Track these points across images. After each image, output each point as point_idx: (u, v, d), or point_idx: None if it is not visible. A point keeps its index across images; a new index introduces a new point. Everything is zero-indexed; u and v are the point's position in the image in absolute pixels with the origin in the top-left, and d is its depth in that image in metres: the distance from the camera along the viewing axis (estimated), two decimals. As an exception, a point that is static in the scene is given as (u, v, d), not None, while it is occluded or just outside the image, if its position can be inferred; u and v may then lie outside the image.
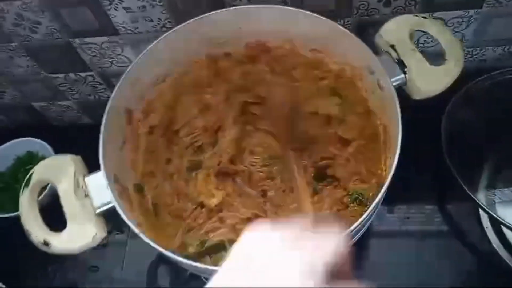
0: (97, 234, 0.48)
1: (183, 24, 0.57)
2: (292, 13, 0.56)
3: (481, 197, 0.68)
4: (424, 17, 0.54)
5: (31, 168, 0.71)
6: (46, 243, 0.47)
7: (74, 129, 0.87)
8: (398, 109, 0.49)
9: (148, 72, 0.58)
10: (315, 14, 0.55)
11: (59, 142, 0.79)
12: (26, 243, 0.48)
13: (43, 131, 0.82)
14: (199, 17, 0.57)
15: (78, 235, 0.48)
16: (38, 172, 0.51)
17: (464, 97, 0.66)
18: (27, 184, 0.50)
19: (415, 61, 0.53)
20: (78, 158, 0.53)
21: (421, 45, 0.68)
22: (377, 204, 0.46)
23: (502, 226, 0.64)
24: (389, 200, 0.53)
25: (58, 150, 0.77)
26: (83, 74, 0.75)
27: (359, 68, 0.58)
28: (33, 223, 0.48)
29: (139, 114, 0.59)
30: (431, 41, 0.67)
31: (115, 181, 0.52)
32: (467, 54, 0.71)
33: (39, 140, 0.80)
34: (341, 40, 0.56)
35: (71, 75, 0.75)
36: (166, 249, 0.45)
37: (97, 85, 0.78)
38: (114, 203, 0.48)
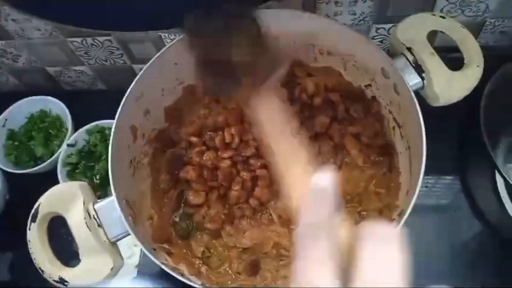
0: (114, 265, 0.46)
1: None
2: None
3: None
4: (443, 17, 0.52)
5: (45, 126, 0.77)
6: (62, 281, 0.45)
7: (88, 94, 0.84)
8: (421, 118, 0.47)
9: (153, 85, 0.55)
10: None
11: (74, 106, 0.77)
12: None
13: (56, 96, 0.78)
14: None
15: (95, 269, 0.46)
16: (45, 205, 0.48)
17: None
18: (34, 219, 0.47)
19: (435, 66, 0.51)
20: (86, 184, 0.50)
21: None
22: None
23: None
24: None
25: (72, 114, 0.76)
26: (101, 39, 0.72)
27: (373, 71, 0.55)
28: (46, 260, 0.46)
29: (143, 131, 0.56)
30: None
31: (127, 205, 0.50)
32: (489, 25, 0.69)
33: (53, 99, 0.78)
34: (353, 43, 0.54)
35: (89, 39, 0.72)
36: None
37: (114, 50, 0.74)
38: (130, 232, 0.46)
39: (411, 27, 0.53)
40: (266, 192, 0.57)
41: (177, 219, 0.58)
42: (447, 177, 0.69)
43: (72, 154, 0.73)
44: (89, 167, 0.73)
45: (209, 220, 0.57)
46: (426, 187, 0.68)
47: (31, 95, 0.79)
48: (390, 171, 0.58)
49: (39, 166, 0.72)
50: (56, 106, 0.77)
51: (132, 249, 0.75)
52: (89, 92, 0.84)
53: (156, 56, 0.53)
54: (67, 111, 0.76)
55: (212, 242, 0.58)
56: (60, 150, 0.73)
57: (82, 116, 0.76)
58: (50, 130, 0.77)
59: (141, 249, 0.67)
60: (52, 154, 0.74)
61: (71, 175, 0.72)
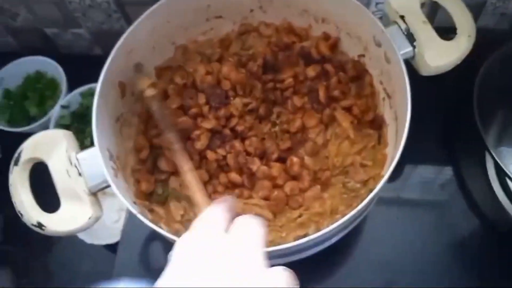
0: (92, 215, 0.46)
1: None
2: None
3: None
4: (436, -14, 0.51)
5: (40, 87, 0.78)
6: (39, 225, 0.45)
7: (84, 58, 0.84)
8: (408, 85, 0.47)
9: (144, 42, 0.55)
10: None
11: (69, 70, 0.78)
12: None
13: (53, 58, 0.79)
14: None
15: (73, 216, 0.46)
16: (27, 150, 0.47)
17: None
18: (16, 163, 0.47)
19: (425, 34, 0.50)
20: (70, 133, 0.50)
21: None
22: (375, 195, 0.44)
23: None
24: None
25: (68, 78, 0.77)
26: (99, 0, 0.72)
27: (365, 39, 0.55)
28: (25, 204, 0.46)
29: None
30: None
31: (110, 157, 0.50)
32: (489, 6, 0.68)
33: (50, 60, 0.79)
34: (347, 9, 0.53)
35: (87, 0, 0.72)
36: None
37: (112, 13, 0.74)
38: (110, 183, 0.46)
39: (405, -4, 0.52)
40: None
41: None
42: (437, 157, 0.68)
43: (65, 115, 0.74)
44: (81, 129, 0.73)
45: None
46: (412, 163, 0.67)
47: (28, 55, 0.79)
48: (379, 143, 0.57)
49: (31, 126, 0.72)
50: (52, 68, 0.78)
51: (119, 213, 0.76)
52: (86, 56, 0.84)
53: (148, 11, 0.53)
54: (63, 73, 0.76)
55: (191, 207, 0.57)
56: (53, 111, 0.73)
57: (78, 80, 0.77)
58: (45, 91, 0.78)
59: (126, 212, 0.68)
60: (46, 115, 0.74)
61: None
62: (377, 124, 0.57)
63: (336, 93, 0.57)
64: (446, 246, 0.63)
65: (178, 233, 0.54)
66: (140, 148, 0.56)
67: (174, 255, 0.29)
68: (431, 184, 0.67)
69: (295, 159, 0.54)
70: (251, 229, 0.31)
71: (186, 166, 0.47)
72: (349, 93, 0.58)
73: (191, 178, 0.46)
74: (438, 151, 0.69)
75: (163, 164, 0.55)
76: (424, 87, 0.51)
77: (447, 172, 0.68)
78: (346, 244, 0.61)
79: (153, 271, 0.63)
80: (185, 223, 0.56)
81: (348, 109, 0.58)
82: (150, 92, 0.52)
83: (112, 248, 0.71)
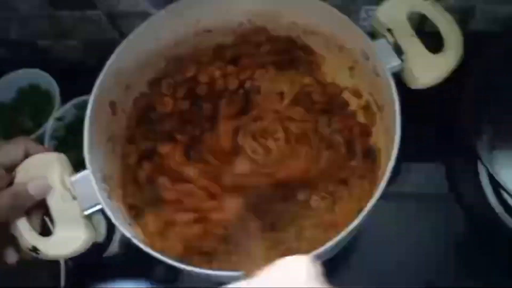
0: (86, 237, 0.47)
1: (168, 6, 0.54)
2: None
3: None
4: (424, -1, 0.51)
5: (34, 100, 0.78)
6: (34, 249, 0.46)
7: (77, 69, 0.81)
8: (396, 99, 0.47)
9: (132, 61, 0.55)
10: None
11: (63, 82, 0.77)
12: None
13: (46, 70, 0.79)
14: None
15: (67, 241, 0.46)
16: (21, 173, 0.48)
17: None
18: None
19: (413, 48, 0.50)
20: (62, 156, 0.50)
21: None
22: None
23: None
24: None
25: (61, 90, 0.77)
26: (89, 13, 0.72)
27: (354, 53, 0.55)
28: (21, 228, 0.46)
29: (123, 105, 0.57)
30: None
31: (102, 179, 0.50)
32: (478, 10, 0.68)
33: (43, 72, 0.78)
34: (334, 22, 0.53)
35: (77, 13, 0.72)
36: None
37: (103, 25, 0.74)
38: (103, 205, 0.47)
39: (393, 8, 0.52)
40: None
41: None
42: (431, 165, 0.69)
43: (59, 128, 0.74)
44: (76, 142, 0.73)
45: None
46: (406, 170, 0.67)
47: (21, 67, 0.79)
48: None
49: (26, 139, 0.72)
50: (46, 80, 0.78)
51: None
52: (79, 67, 0.83)
53: (136, 30, 0.53)
54: (56, 85, 0.76)
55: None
56: (47, 124, 0.74)
57: (72, 91, 0.76)
58: (40, 104, 0.78)
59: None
60: (41, 128, 0.75)
61: (58, 149, 0.73)
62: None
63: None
64: (441, 244, 0.64)
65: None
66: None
67: None
68: (425, 188, 0.68)
69: None
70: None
71: None
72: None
73: None
74: (432, 156, 0.69)
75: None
76: (416, 92, 0.51)
77: (440, 174, 0.68)
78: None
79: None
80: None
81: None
82: None
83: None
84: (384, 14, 0.52)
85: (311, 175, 0.57)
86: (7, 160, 0.47)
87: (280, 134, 0.59)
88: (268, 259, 0.32)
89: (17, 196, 0.45)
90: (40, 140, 0.72)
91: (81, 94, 0.74)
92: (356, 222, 0.43)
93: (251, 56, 0.62)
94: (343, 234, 0.42)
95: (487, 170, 0.59)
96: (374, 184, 0.53)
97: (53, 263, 0.63)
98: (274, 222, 0.55)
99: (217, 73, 0.61)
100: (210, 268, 0.44)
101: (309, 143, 0.58)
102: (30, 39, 0.80)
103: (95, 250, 0.70)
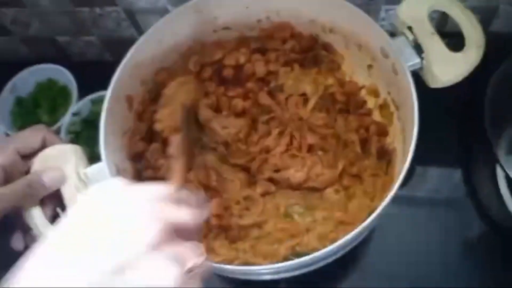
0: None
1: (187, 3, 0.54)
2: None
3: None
4: (445, -4, 0.51)
5: (52, 95, 0.78)
6: (47, 239, 0.46)
7: (95, 65, 0.83)
8: (415, 98, 0.46)
9: (149, 55, 0.55)
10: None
11: (81, 77, 0.77)
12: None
13: (64, 65, 0.79)
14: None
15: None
16: (37, 164, 0.48)
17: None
18: (26, 178, 0.48)
19: (433, 46, 0.49)
20: (79, 148, 0.50)
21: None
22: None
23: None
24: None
25: (79, 85, 0.77)
26: (108, 9, 0.72)
27: (373, 51, 0.54)
28: (35, 218, 0.46)
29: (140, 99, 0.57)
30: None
31: (117, 172, 0.50)
32: (501, 11, 0.67)
33: (61, 68, 0.79)
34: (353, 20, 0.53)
35: (97, 9, 0.73)
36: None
37: (121, 21, 0.75)
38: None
39: (414, 6, 0.51)
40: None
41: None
42: (448, 167, 0.67)
43: (75, 122, 0.75)
44: (92, 136, 0.74)
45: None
46: (422, 170, 0.66)
47: (40, 63, 0.80)
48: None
49: (43, 133, 0.73)
50: (64, 76, 0.78)
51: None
52: (97, 63, 0.84)
53: (154, 25, 0.53)
54: (74, 80, 0.77)
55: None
56: (64, 118, 0.74)
57: (89, 86, 0.77)
58: (57, 99, 0.78)
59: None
60: (57, 122, 0.75)
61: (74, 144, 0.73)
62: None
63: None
64: (455, 248, 0.62)
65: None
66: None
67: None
68: (441, 191, 0.66)
69: None
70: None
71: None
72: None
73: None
74: (449, 158, 0.68)
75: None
76: (436, 93, 0.50)
77: (457, 177, 0.67)
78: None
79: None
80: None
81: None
82: None
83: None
84: (405, 12, 0.52)
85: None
86: (25, 146, 0.47)
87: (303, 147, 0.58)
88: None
89: (32, 185, 0.45)
90: (56, 134, 0.73)
91: (98, 89, 0.75)
92: (367, 222, 0.42)
93: (276, 51, 0.61)
94: (353, 234, 0.42)
95: (506, 174, 0.58)
96: (388, 184, 0.52)
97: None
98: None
99: (243, 58, 0.60)
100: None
101: (328, 149, 0.57)
102: (49, 35, 0.81)
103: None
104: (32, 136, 0.48)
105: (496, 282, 0.60)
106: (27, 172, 0.47)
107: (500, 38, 0.60)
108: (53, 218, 0.48)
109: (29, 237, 0.47)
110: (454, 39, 0.51)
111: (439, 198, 0.66)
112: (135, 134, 0.57)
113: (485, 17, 0.67)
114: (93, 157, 0.50)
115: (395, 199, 0.44)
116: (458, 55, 0.49)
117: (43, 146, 0.48)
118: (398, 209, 0.64)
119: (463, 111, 0.68)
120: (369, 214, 0.43)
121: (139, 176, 0.56)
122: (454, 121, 0.69)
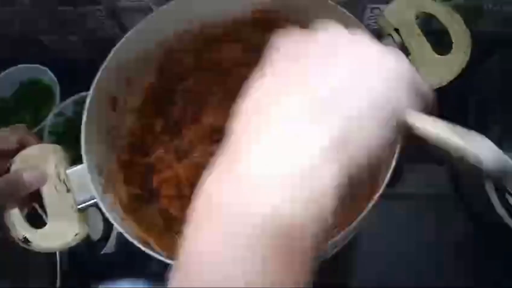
0: (78, 233, 0.46)
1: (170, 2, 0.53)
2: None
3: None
4: (433, -1, 0.50)
5: (35, 95, 0.78)
6: (26, 241, 0.45)
7: (79, 65, 0.79)
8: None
9: (135, 52, 0.54)
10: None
11: (64, 77, 0.77)
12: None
13: (47, 65, 0.79)
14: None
15: (59, 234, 0.45)
16: (17, 164, 0.47)
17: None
18: (5, 177, 0.47)
19: (419, 49, 0.49)
20: (60, 148, 0.49)
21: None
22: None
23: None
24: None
25: (62, 86, 0.77)
26: (91, 8, 0.72)
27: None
28: (13, 218, 0.45)
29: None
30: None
31: (99, 173, 0.49)
32: (486, 9, 0.67)
33: (43, 67, 0.78)
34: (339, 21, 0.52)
35: (80, 8, 0.72)
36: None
37: (105, 21, 0.74)
38: (97, 199, 0.46)
39: (401, 8, 0.51)
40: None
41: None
42: (435, 166, 0.67)
43: (59, 123, 0.73)
44: (75, 137, 0.73)
45: None
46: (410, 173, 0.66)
47: (23, 64, 0.78)
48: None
49: (26, 134, 0.72)
50: (46, 76, 0.77)
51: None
52: (80, 63, 0.82)
53: (138, 25, 0.52)
54: (56, 81, 0.76)
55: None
56: (47, 119, 0.73)
57: (72, 87, 0.76)
58: (40, 99, 0.77)
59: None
60: (41, 123, 0.74)
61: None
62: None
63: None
64: (443, 247, 0.63)
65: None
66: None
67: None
68: (427, 189, 0.67)
69: None
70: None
71: None
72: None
73: None
74: (435, 157, 0.68)
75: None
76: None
77: (444, 176, 0.67)
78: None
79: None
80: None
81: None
82: None
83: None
84: (392, 14, 0.51)
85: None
86: (1, 146, 0.46)
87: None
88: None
89: (12, 184, 0.44)
90: (39, 135, 0.72)
91: (81, 90, 0.74)
92: (355, 223, 0.42)
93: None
94: (342, 234, 0.41)
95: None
96: (375, 184, 0.52)
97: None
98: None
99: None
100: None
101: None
102: (32, 35, 0.79)
103: (92, 247, 0.69)
104: (8, 135, 0.47)
105: (483, 279, 0.60)
106: (6, 171, 0.46)
107: (486, 36, 0.60)
108: (30, 217, 0.47)
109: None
110: (439, 35, 0.51)
111: (425, 195, 0.67)
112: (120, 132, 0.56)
113: (471, 16, 0.67)
114: (78, 158, 0.49)
115: (382, 199, 0.43)
116: (444, 58, 0.49)
117: (21, 147, 0.47)
118: (386, 209, 0.63)
119: (450, 110, 0.68)
120: (357, 215, 0.42)
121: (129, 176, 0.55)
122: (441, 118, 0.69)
